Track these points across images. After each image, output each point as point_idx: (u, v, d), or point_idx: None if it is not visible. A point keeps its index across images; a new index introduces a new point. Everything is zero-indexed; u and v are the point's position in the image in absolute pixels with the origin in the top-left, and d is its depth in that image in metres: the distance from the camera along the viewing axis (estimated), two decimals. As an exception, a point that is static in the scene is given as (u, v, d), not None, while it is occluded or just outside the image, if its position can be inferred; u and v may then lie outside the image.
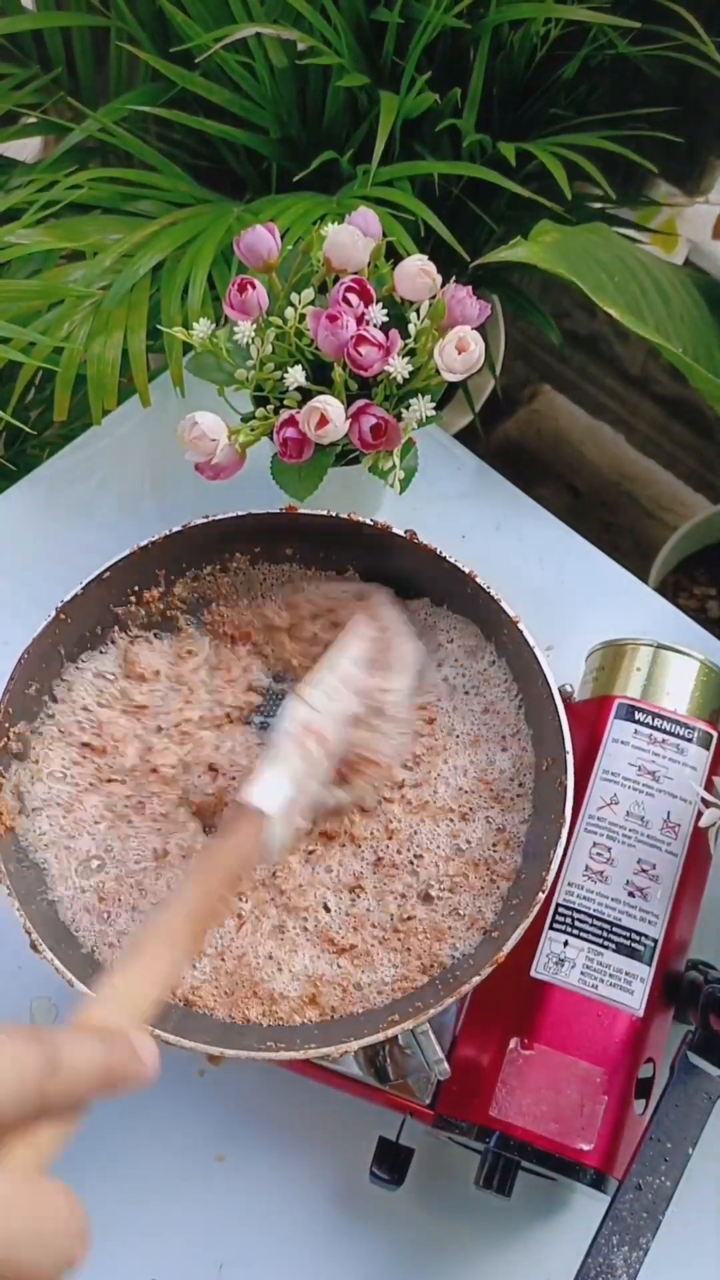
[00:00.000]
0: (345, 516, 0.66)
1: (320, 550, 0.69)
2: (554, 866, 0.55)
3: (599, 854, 0.61)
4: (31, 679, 0.63)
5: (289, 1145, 0.65)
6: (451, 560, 0.64)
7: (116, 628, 0.67)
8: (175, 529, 0.65)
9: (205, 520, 0.65)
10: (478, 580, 0.64)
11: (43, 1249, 0.30)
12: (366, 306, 0.63)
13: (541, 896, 0.54)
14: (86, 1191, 0.68)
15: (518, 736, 0.64)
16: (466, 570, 0.64)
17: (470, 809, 0.62)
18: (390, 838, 0.62)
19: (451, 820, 0.62)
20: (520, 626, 0.62)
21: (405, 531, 0.65)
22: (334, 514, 0.66)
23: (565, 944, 0.59)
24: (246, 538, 0.68)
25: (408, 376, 0.64)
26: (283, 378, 0.64)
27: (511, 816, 0.62)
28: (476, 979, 0.53)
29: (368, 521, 0.65)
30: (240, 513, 0.66)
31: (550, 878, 0.55)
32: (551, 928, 0.59)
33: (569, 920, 0.59)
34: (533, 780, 0.62)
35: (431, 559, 0.64)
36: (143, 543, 0.65)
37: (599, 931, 0.59)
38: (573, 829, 0.60)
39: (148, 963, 0.43)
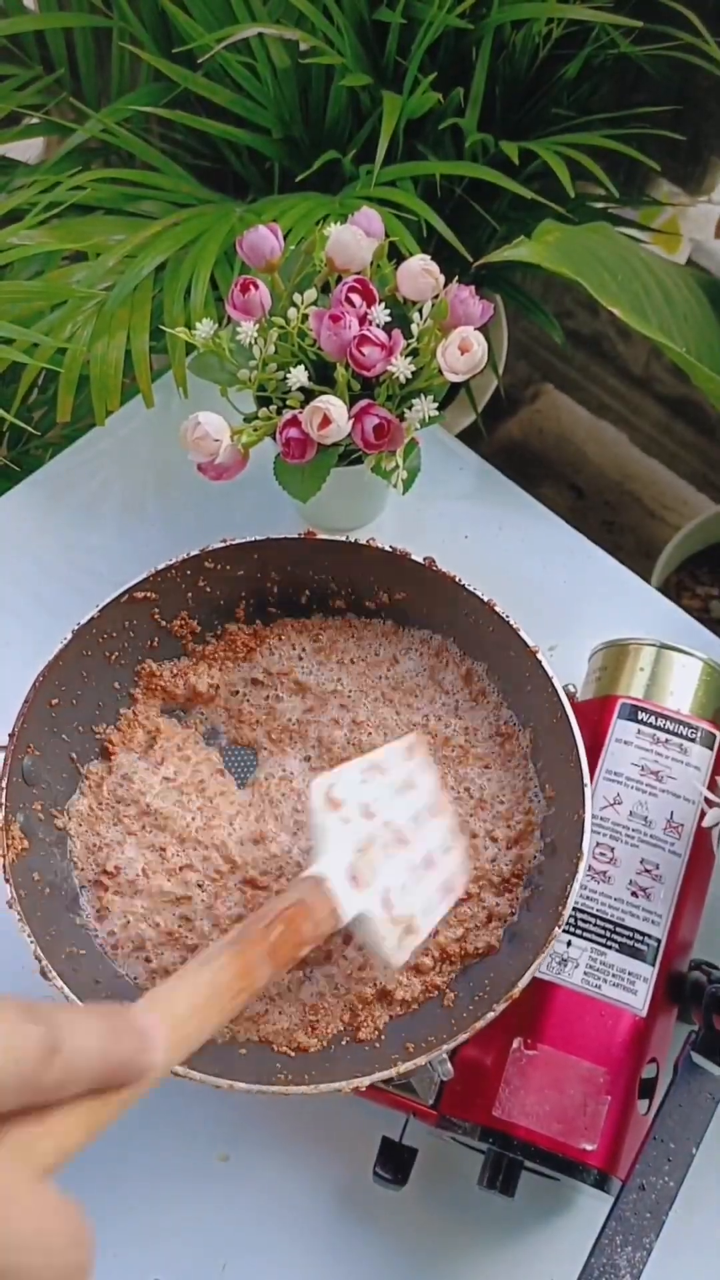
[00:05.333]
0: (366, 543, 0.65)
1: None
2: (580, 870, 0.55)
3: (602, 854, 0.61)
4: (49, 700, 0.62)
5: (292, 1145, 0.65)
6: (470, 588, 0.63)
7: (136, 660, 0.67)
8: (193, 553, 0.65)
9: (224, 544, 0.65)
10: (497, 609, 0.63)
11: (47, 1255, 0.28)
12: (369, 306, 0.63)
13: (572, 899, 0.54)
14: (89, 1191, 0.68)
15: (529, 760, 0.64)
16: (486, 599, 0.63)
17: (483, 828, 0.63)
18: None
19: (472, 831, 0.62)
20: (540, 657, 0.61)
21: (424, 559, 0.65)
22: (353, 539, 0.66)
23: (568, 944, 0.59)
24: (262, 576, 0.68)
25: (410, 377, 0.64)
26: (285, 378, 0.64)
27: (528, 836, 0.62)
28: (523, 983, 0.53)
29: (386, 548, 0.65)
30: (258, 537, 0.65)
31: (577, 882, 0.55)
32: (555, 928, 0.59)
33: (572, 920, 0.59)
34: (546, 796, 0.62)
35: (452, 586, 0.64)
36: (159, 567, 0.65)
37: (602, 931, 0.59)
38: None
39: (188, 990, 0.40)
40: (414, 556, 0.64)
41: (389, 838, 0.53)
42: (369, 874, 0.51)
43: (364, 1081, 0.51)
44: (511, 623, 0.62)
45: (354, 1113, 0.63)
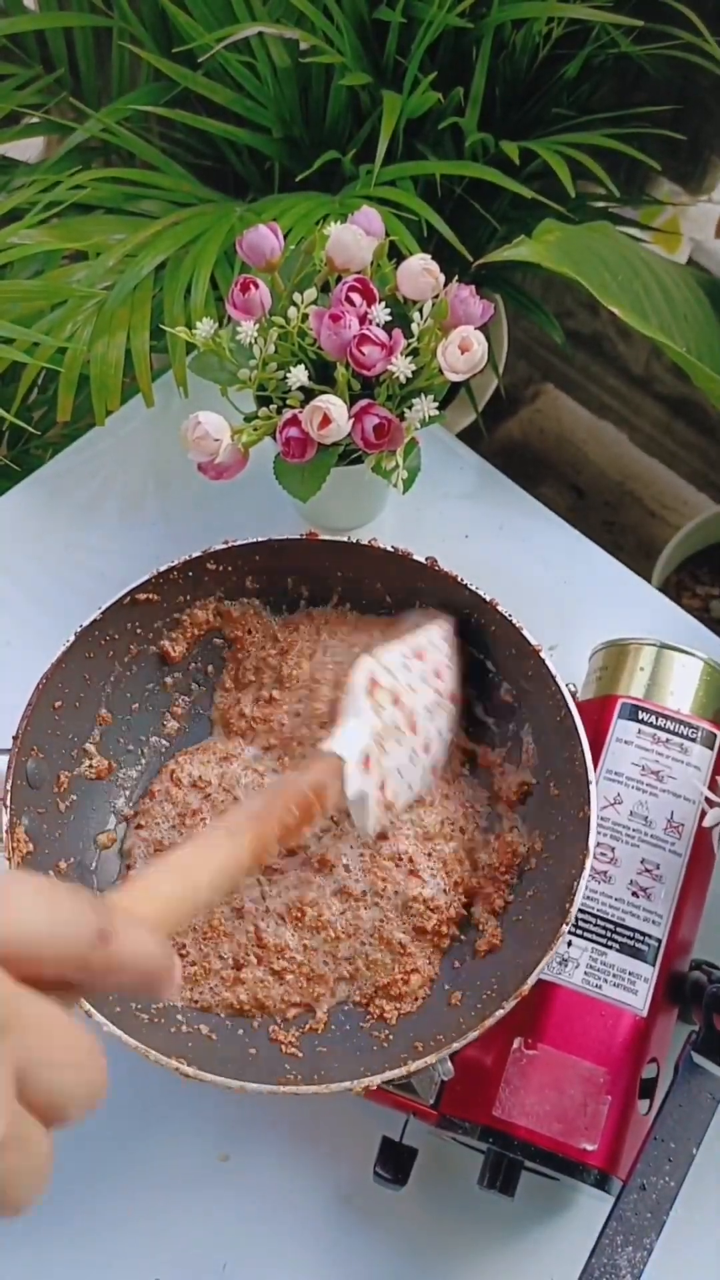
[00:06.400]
0: (368, 544, 0.65)
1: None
2: (586, 869, 0.55)
3: (603, 854, 0.61)
4: (52, 702, 0.62)
5: (293, 1145, 0.65)
6: (473, 587, 0.63)
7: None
8: (194, 554, 0.65)
9: (225, 546, 0.65)
10: (500, 609, 0.63)
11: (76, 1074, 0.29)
12: (369, 306, 0.63)
13: (578, 897, 0.54)
14: (90, 1191, 0.68)
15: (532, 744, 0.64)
16: (488, 598, 0.63)
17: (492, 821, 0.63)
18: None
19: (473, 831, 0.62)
20: (543, 655, 0.61)
21: (426, 559, 0.65)
22: (354, 539, 0.66)
23: (569, 944, 0.59)
24: (260, 568, 0.67)
25: (410, 376, 0.64)
26: (285, 377, 0.64)
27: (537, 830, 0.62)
28: (531, 981, 0.53)
29: (388, 548, 0.65)
30: (259, 539, 0.66)
31: (583, 881, 0.55)
32: (555, 928, 0.59)
33: (573, 920, 0.59)
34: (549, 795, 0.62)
35: (453, 585, 0.64)
36: (163, 567, 0.64)
37: (603, 931, 0.59)
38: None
39: (191, 860, 0.42)
40: (415, 556, 0.64)
41: (403, 723, 0.57)
42: (377, 759, 0.55)
43: (374, 1081, 0.51)
44: (514, 622, 0.62)
45: (354, 1113, 0.63)
